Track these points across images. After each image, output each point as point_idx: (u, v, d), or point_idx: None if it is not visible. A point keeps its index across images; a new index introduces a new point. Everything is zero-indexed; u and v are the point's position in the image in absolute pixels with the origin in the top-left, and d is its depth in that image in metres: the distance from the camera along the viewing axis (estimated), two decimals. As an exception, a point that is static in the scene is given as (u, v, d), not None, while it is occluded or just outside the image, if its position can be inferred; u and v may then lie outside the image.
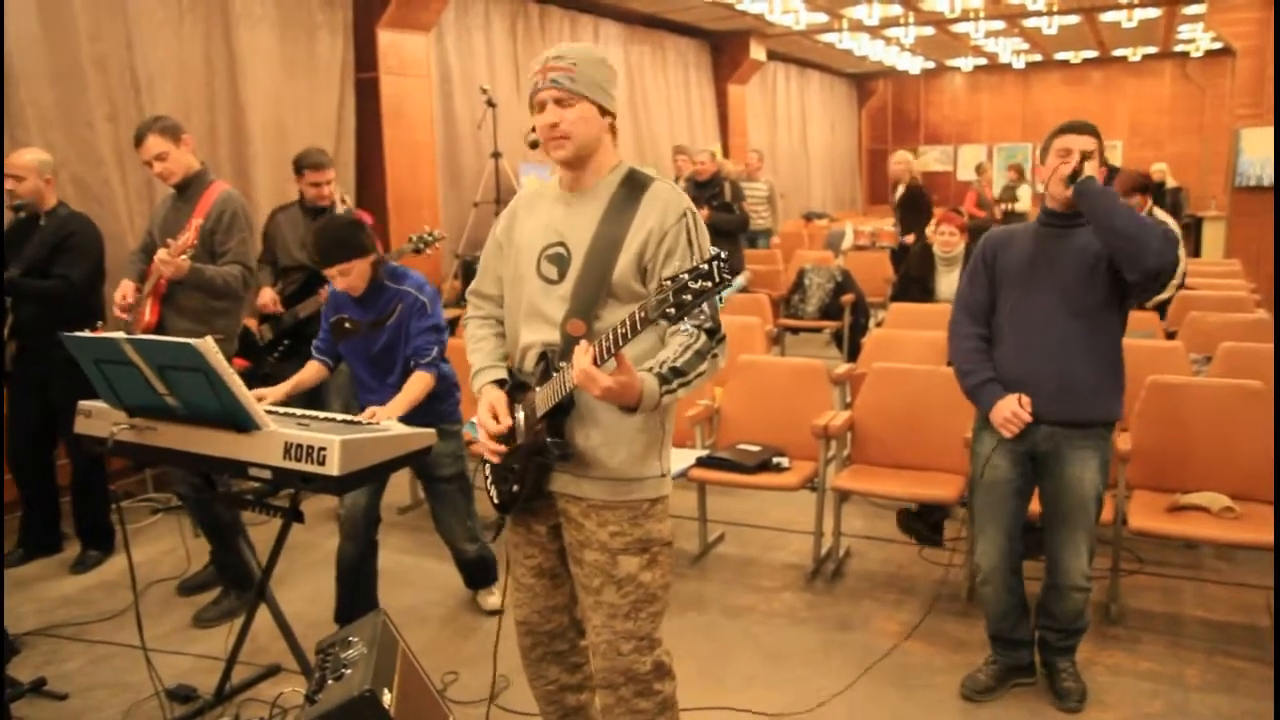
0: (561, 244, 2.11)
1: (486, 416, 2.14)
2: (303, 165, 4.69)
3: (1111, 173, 7.36)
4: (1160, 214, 5.54)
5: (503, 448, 2.13)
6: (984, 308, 2.98)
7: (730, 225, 7.30)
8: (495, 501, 2.27)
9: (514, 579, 2.34)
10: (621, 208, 2.08)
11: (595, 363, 1.85)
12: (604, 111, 2.08)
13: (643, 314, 1.80)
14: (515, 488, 2.17)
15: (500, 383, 2.21)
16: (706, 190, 7.36)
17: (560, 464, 2.11)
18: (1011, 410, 2.85)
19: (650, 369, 1.95)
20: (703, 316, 1.97)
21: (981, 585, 3.09)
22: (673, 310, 1.72)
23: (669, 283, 1.73)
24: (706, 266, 1.70)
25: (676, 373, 1.95)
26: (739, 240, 7.64)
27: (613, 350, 1.86)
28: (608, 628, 2.15)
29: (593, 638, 2.19)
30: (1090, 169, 2.76)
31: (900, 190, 8.92)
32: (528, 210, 2.23)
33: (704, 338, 1.97)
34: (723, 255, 1.72)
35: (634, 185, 2.11)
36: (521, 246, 2.18)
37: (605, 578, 2.14)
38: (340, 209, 4.80)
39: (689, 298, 1.71)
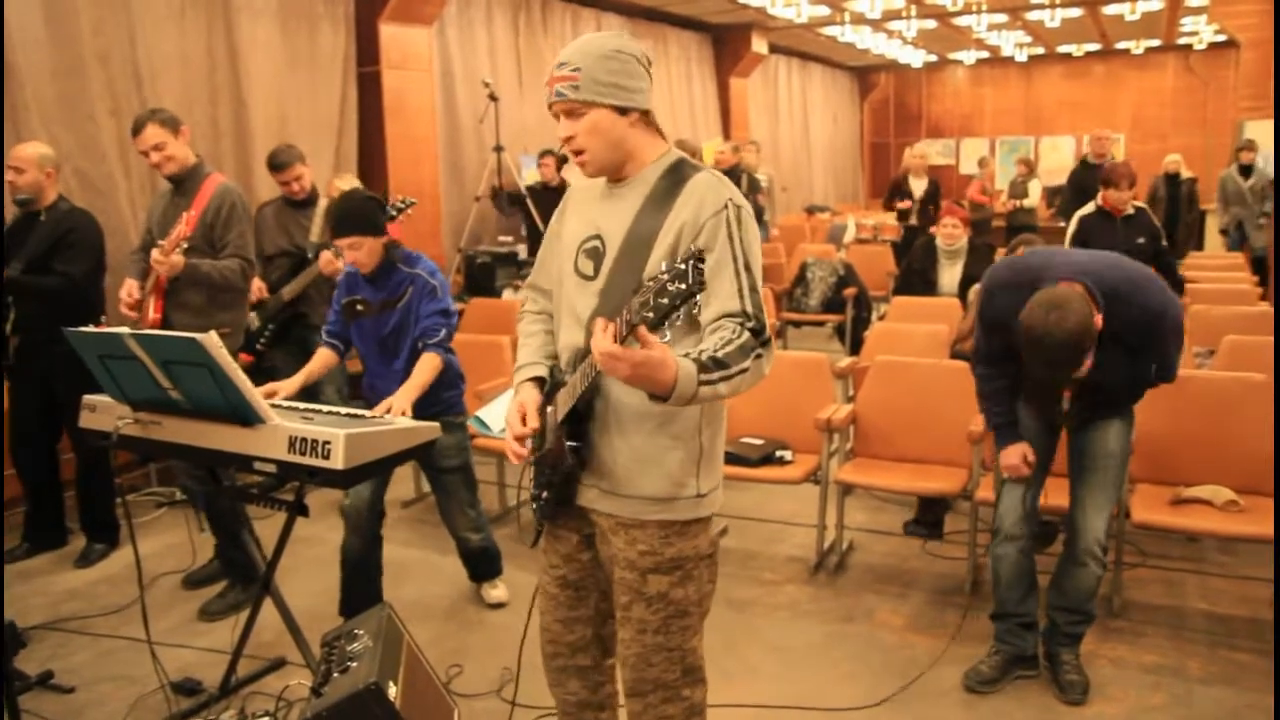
0: (598, 238, 1.98)
1: (515, 416, 2.03)
2: (270, 166, 4.84)
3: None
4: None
5: (523, 449, 2.02)
6: (1002, 357, 2.94)
7: None
8: (533, 507, 2.15)
9: (541, 585, 2.25)
10: (661, 200, 1.92)
11: (616, 340, 1.62)
12: (622, 111, 1.90)
13: (626, 315, 1.60)
14: (544, 493, 2.08)
15: (540, 380, 2.09)
16: None
17: (587, 477, 2.01)
18: (1014, 464, 2.94)
19: (687, 354, 1.72)
20: (748, 314, 1.81)
21: (999, 546, 3.09)
22: (650, 315, 1.53)
23: (650, 283, 1.55)
24: (683, 266, 1.52)
25: (717, 363, 1.73)
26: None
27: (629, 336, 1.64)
28: (637, 641, 2.05)
29: (622, 650, 2.09)
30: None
31: (924, 183, 8.94)
32: (577, 203, 2.11)
33: (748, 335, 1.78)
34: (701, 255, 1.54)
35: (677, 176, 1.94)
36: (566, 242, 2.07)
37: (634, 595, 2.02)
38: (323, 203, 4.89)
39: (665, 301, 1.52)
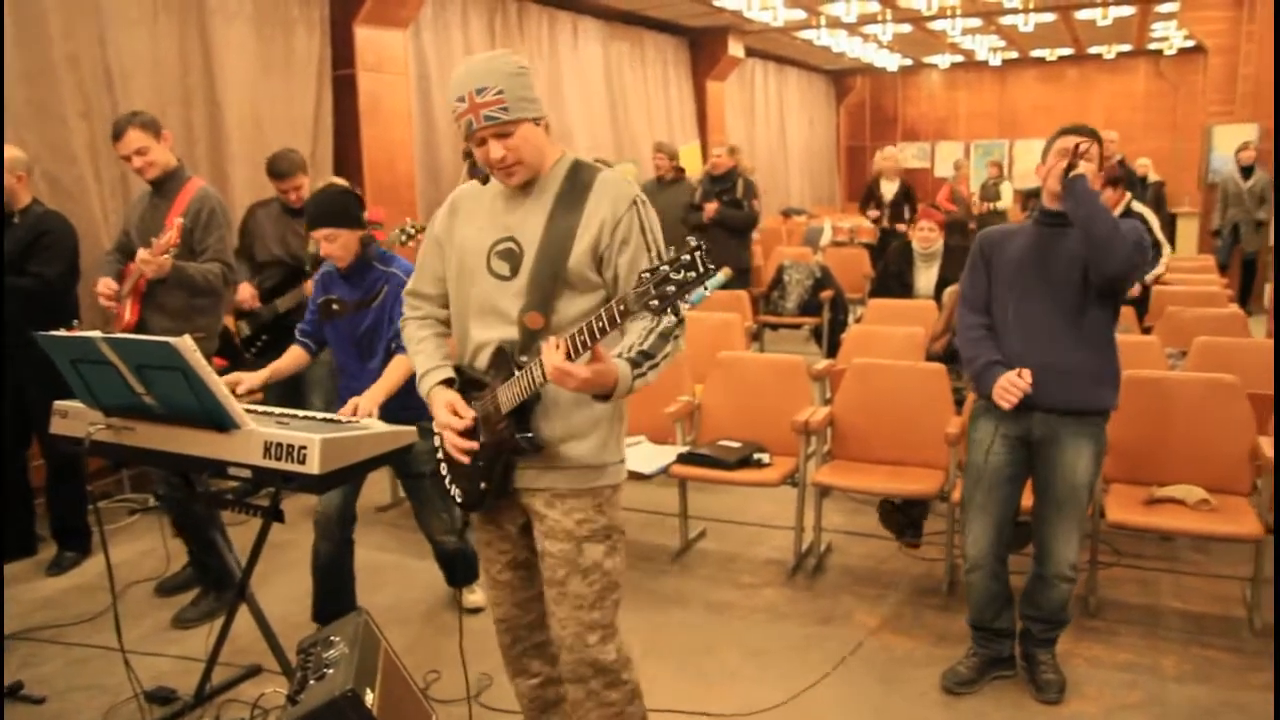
0: (512, 239, 2.10)
1: (448, 415, 2.12)
2: (270, 173, 4.72)
3: (1125, 174, 7.43)
4: (1138, 207, 5.59)
5: (474, 444, 2.11)
6: (983, 301, 3.03)
7: (738, 222, 7.24)
8: (460, 501, 2.24)
9: (489, 578, 2.34)
10: (571, 199, 2.07)
11: (569, 357, 1.83)
12: (537, 121, 2.06)
13: (621, 307, 1.77)
14: (483, 485, 2.15)
15: (449, 382, 2.19)
16: (719, 185, 7.31)
17: (525, 458, 2.11)
18: (1009, 380, 2.86)
19: (619, 354, 1.94)
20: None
21: (969, 573, 3.11)
22: (656, 302, 1.70)
23: (648, 275, 1.70)
24: (690, 257, 1.67)
25: (645, 356, 1.95)
26: (748, 237, 7.58)
27: (588, 344, 1.84)
28: (574, 619, 2.15)
29: (558, 630, 2.18)
30: (1085, 168, 2.80)
31: (896, 185, 8.93)
32: (469, 207, 2.20)
33: (668, 320, 1.98)
34: (704, 245, 1.70)
35: (580, 176, 2.10)
36: (467, 245, 2.16)
37: (570, 567, 2.13)
38: None
39: (672, 289, 1.68)
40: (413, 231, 4.23)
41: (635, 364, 1.93)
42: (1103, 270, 2.79)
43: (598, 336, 1.83)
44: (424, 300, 2.32)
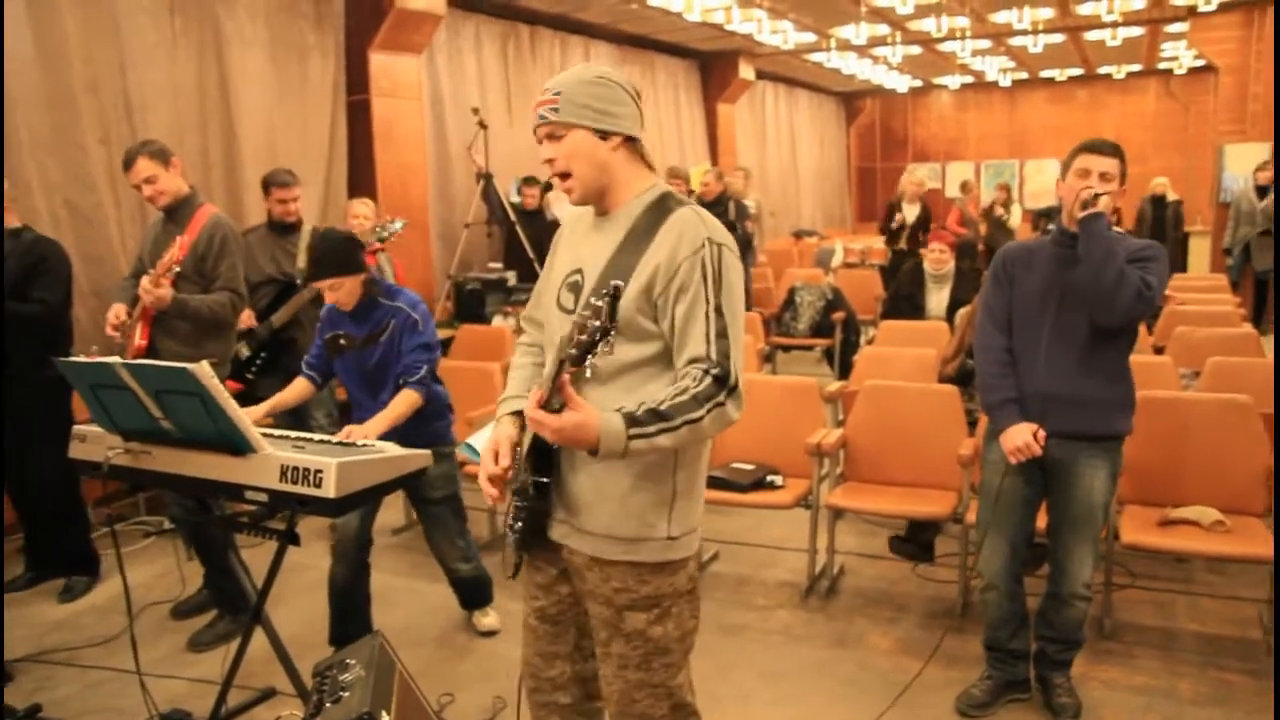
0: (579, 271, 1.96)
1: (488, 455, 2.01)
2: (270, 184, 4.83)
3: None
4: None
5: (495, 490, 2.01)
6: (1004, 317, 3.01)
7: None
8: (510, 539, 2.13)
9: (523, 617, 2.24)
10: (641, 235, 1.89)
11: (540, 405, 1.69)
12: (604, 134, 1.89)
13: (560, 355, 1.62)
14: (518, 524, 2.06)
15: (520, 414, 2.06)
16: (711, 210, 7.35)
17: (558, 511, 1.99)
18: (1024, 441, 2.87)
19: (620, 409, 1.73)
20: (711, 360, 1.79)
21: (983, 592, 3.10)
22: (573, 352, 1.53)
23: (576, 318, 1.56)
24: (600, 303, 1.52)
25: (656, 415, 1.72)
26: (745, 260, 7.61)
27: (556, 393, 1.68)
28: (619, 678, 2.02)
29: (605, 687, 2.07)
30: (1105, 204, 2.77)
31: (917, 208, 8.91)
32: (569, 234, 2.10)
33: (708, 382, 1.76)
34: (619, 291, 1.55)
35: (659, 211, 1.91)
36: (554, 274, 2.07)
37: (612, 631, 1.99)
38: (307, 227, 4.90)
39: (584, 338, 1.52)
40: (385, 235, 4.25)
41: (635, 421, 1.71)
42: (1100, 318, 2.81)
43: (555, 387, 1.67)
44: (535, 326, 2.22)
